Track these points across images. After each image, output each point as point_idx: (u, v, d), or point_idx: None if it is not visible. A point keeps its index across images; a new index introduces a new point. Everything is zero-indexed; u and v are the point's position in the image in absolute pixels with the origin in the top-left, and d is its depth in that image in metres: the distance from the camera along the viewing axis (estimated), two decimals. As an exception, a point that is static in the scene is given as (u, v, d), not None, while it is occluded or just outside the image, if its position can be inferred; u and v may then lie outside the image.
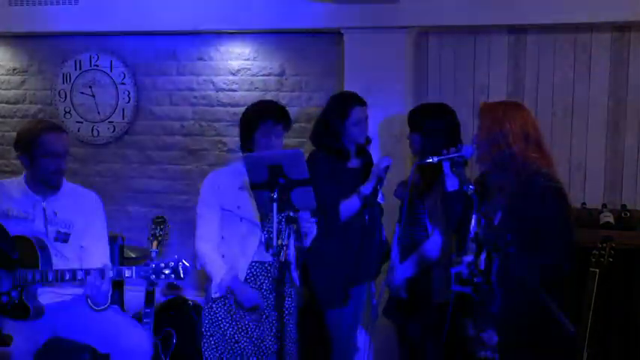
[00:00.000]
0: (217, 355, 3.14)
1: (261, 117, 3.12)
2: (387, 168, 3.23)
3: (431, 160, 2.88)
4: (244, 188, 3.06)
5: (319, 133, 3.37)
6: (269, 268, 3.14)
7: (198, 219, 3.19)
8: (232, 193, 3.12)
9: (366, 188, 3.24)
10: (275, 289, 2.68)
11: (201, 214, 3.18)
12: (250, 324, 3.12)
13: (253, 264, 3.14)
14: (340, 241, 3.32)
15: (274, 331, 3.08)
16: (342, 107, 3.32)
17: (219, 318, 3.15)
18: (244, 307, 3.09)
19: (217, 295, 3.13)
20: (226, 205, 3.13)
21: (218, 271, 3.12)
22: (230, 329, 3.13)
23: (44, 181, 3.05)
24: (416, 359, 3.40)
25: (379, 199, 3.32)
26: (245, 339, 3.12)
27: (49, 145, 2.99)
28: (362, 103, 3.35)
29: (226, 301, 3.14)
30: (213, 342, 3.15)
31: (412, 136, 3.31)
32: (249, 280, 3.15)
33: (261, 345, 3.12)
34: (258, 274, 3.15)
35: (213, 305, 3.15)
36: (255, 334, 3.12)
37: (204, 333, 3.17)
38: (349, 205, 3.27)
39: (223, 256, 3.14)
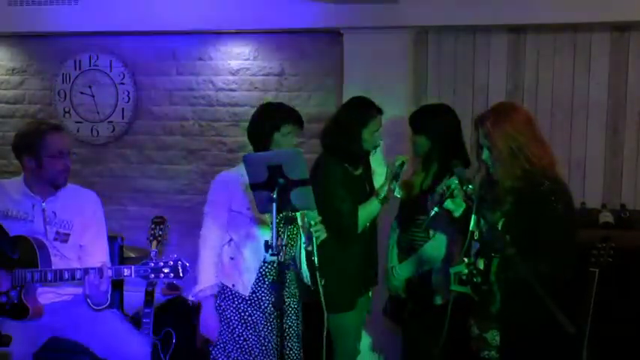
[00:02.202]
0: (225, 353, 3.09)
1: (276, 126, 3.09)
2: (402, 165, 3.21)
3: (434, 211, 2.84)
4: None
5: (335, 136, 3.31)
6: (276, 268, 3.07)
7: (205, 217, 3.12)
8: (241, 194, 3.08)
9: (384, 190, 3.23)
10: (275, 289, 2.68)
11: (208, 212, 3.12)
12: (258, 321, 3.09)
13: (263, 264, 3.09)
14: (351, 244, 3.31)
15: (282, 332, 2.98)
16: (366, 114, 3.27)
17: (228, 316, 3.10)
18: (199, 330, 3.09)
19: (193, 299, 3.12)
20: (235, 207, 3.09)
21: (205, 279, 3.07)
22: (239, 327, 3.08)
23: (51, 181, 3.05)
24: (416, 359, 3.40)
25: (396, 193, 3.29)
26: (253, 337, 3.08)
27: (55, 145, 3.00)
28: (381, 112, 3.33)
29: (234, 298, 3.09)
30: (220, 341, 3.10)
31: (417, 138, 3.28)
32: (258, 279, 3.10)
33: (268, 344, 3.09)
34: (267, 273, 3.09)
35: (222, 303, 3.10)
36: (262, 332, 3.09)
37: None
38: (370, 210, 3.25)
39: (232, 259, 3.09)
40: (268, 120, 3.14)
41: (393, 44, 4.05)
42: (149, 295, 3.61)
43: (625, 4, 3.72)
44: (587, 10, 3.76)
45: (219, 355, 3.11)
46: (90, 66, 4.69)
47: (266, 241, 2.65)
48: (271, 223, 2.86)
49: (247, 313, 3.08)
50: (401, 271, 3.29)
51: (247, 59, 4.49)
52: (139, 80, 4.66)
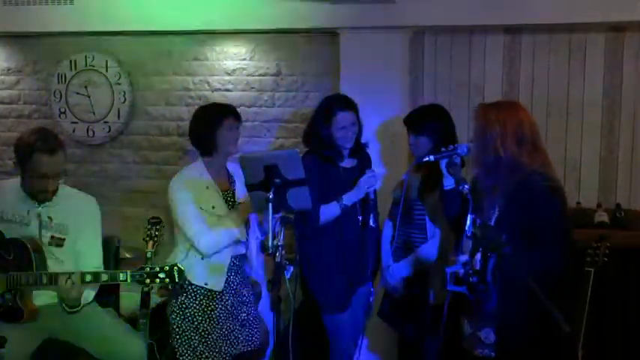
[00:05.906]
0: (191, 349, 3.21)
1: (219, 122, 3.20)
2: (370, 187, 3.23)
3: (428, 158, 2.87)
4: (211, 187, 3.21)
5: (307, 134, 3.38)
6: (236, 262, 3.27)
7: (188, 218, 3.17)
8: (204, 195, 3.19)
9: (347, 199, 3.24)
10: (270, 289, 2.68)
11: (186, 211, 3.17)
12: (220, 314, 3.21)
13: (230, 260, 3.25)
14: (339, 244, 3.31)
15: (241, 321, 3.26)
16: (327, 112, 3.29)
17: (192, 313, 3.21)
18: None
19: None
20: (203, 206, 3.18)
21: (231, 233, 3.17)
22: (203, 322, 3.21)
23: (31, 195, 3.06)
24: (413, 359, 3.41)
25: (371, 222, 3.29)
26: (216, 330, 3.21)
27: (39, 167, 2.97)
28: (348, 107, 3.28)
29: (197, 295, 3.21)
30: (186, 338, 3.22)
31: (418, 139, 3.27)
32: (230, 272, 3.24)
33: (230, 334, 3.24)
34: (231, 268, 3.26)
35: (185, 301, 3.21)
36: (225, 324, 3.22)
37: (176, 330, 3.23)
38: (328, 210, 3.25)
39: (202, 258, 3.19)
40: (208, 119, 3.22)
41: (389, 44, 4.05)
42: (145, 295, 3.60)
43: (620, 4, 3.73)
44: (583, 10, 3.76)
45: (185, 352, 3.22)
46: (86, 66, 4.68)
47: (262, 242, 2.67)
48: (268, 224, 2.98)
49: (210, 308, 3.22)
50: (397, 271, 3.29)
51: (243, 59, 4.49)
52: (134, 80, 4.65)
